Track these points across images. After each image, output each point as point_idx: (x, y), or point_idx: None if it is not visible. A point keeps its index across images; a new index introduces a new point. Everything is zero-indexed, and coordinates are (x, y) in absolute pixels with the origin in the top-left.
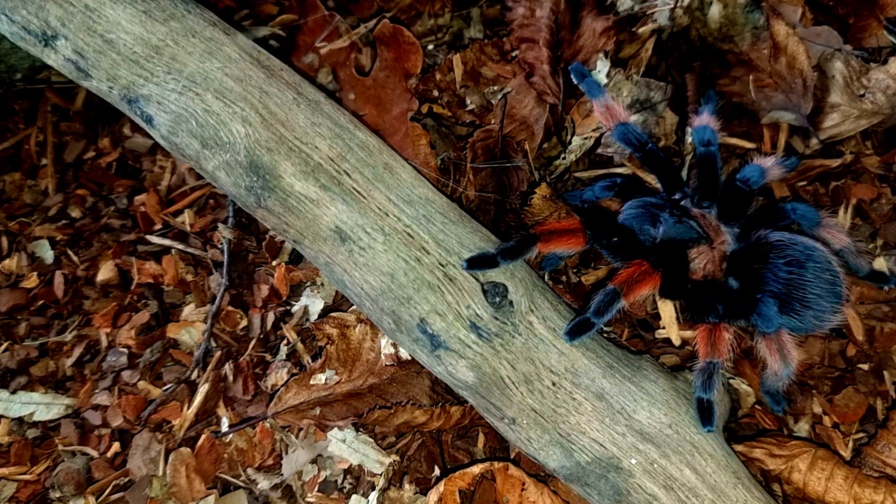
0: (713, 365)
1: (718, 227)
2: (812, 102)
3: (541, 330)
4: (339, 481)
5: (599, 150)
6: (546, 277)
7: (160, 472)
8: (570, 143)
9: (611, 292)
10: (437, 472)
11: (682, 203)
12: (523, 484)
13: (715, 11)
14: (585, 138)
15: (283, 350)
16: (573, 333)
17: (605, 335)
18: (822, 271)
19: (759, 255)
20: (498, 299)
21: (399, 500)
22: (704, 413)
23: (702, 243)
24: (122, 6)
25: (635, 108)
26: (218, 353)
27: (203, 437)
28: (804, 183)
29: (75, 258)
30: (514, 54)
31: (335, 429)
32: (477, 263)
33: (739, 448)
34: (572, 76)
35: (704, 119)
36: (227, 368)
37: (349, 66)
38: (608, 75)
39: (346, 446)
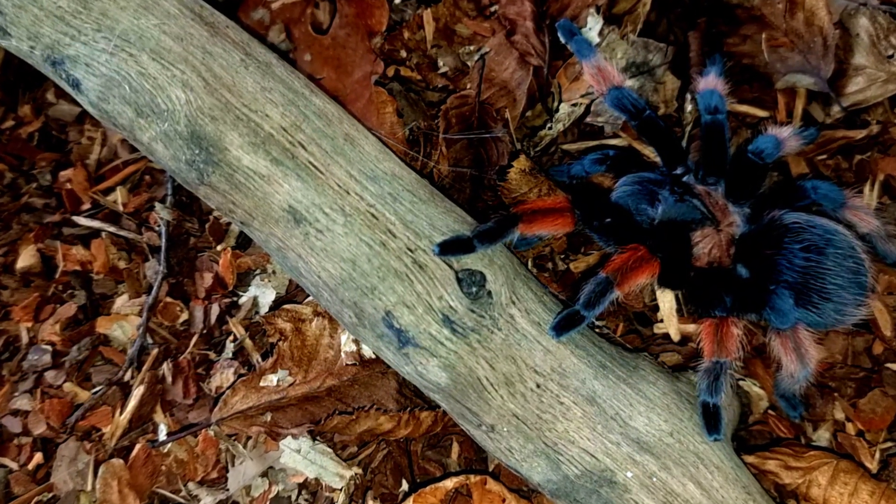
0: (720, 365)
1: (726, 207)
2: (833, 64)
3: (523, 324)
4: (293, 497)
5: (589, 119)
6: (530, 264)
7: (88, 487)
8: (556, 110)
9: (602, 281)
10: (404, 486)
11: (685, 179)
12: (503, 500)
13: None
14: (574, 105)
15: (230, 347)
16: (560, 328)
17: (597, 330)
18: (844, 258)
19: (772, 240)
20: (474, 289)
21: None
22: (711, 419)
23: (706, 225)
24: None
25: (631, 71)
26: (155, 351)
27: (138, 446)
28: (824, 156)
29: None
30: (493, 9)
31: (288, 437)
32: (450, 248)
33: (750, 459)
34: (559, 34)
35: (710, 82)
36: (165, 368)
37: (304, 22)
38: (601, 34)
39: (301, 457)
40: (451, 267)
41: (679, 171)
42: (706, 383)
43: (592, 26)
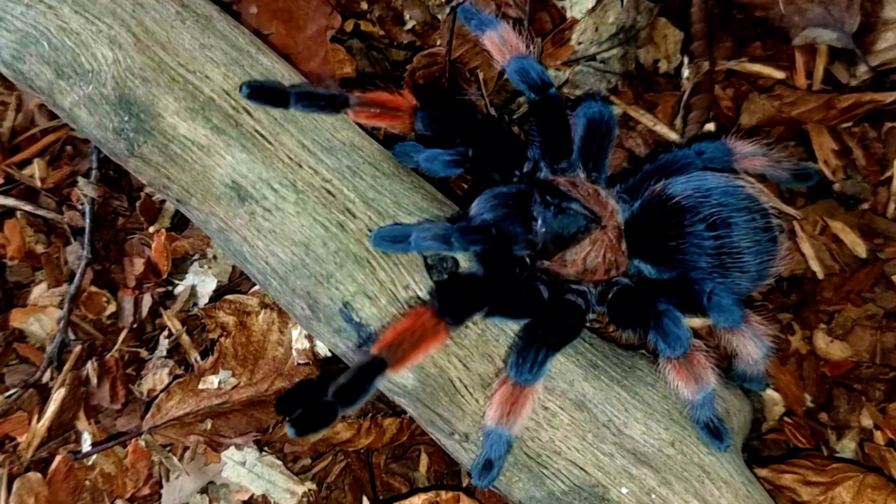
0: (708, 396)
1: (598, 194)
2: (859, 17)
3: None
4: None
5: (566, 90)
6: None
7: None
8: None
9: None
10: (365, 503)
11: (540, 176)
12: None
13: None
14: (558, 70)
15: (164, 344)
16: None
17: (589, 325)
18: (752, 219)
19: (670, 226)
20: (446, 277)
21: None
22: (713, 431)
23: (593, 228)
24: None
25: (619, 38)
26: (77, 349)
27: (58, 458)
28: (849, 124)
29: None
30: None
31: (232, 448)
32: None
33: (763, 473)
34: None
35: (505, 44)
36: (90, 368)
37: None
38: None
39: (247, 471)
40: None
41: (527, 167)
42: (702, 413)
43: None
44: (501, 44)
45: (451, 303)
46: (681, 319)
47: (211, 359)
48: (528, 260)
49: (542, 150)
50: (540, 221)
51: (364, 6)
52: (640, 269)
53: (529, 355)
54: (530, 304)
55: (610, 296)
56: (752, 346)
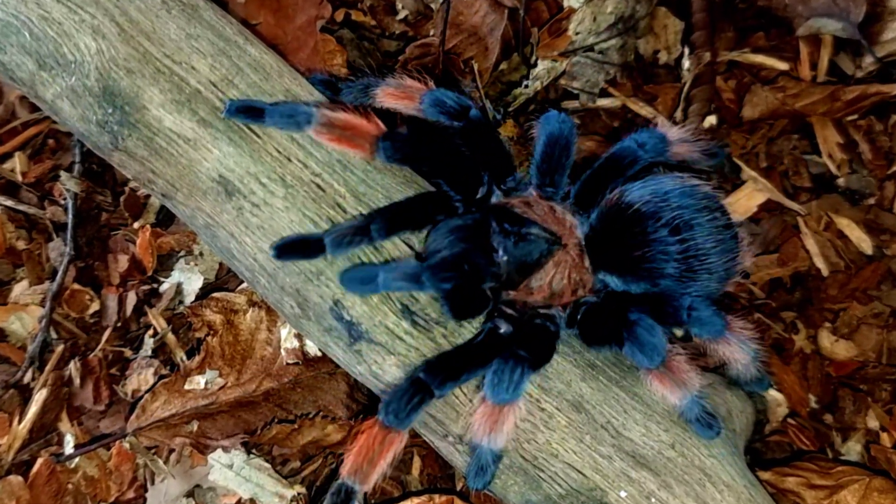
0: (694, 399)
1: (554, 211)
2: (865, 7)
3: None
4: None
5: (563, 82)
6: None
7: None
8: (534, 65)
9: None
10: None
11: (494, 200)
12: None
13: None
14: (555, 62)
15: (149, 343)
16: None
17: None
18: (712, 218)
19: (632, 234)
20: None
21: None
22: (706, 423)
23: (555, 250)
24: None
25: (617, 28)
26: (60, 348)
27: (40, 461)
28: (855, 116)
29: None
30: None
31: (219, 450)
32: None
33: (767, 476)
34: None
35: (402, 84)
36: (73, 368)
37: None
38: None
39: (234, 474)
40: (411, 248)
41: (482, 192)
42: (691, 412)
43: None
44: (404, 89)
45: (392, 411)
46: (655, 327)
47: (197, 358)
48: (489, 293)
49: (487, 173)
50: (501, 251)
51: None
52: (607, 283)
53: (505, 375)
54: (489, 351)
55: (579, 316)
56: (738, 352)
